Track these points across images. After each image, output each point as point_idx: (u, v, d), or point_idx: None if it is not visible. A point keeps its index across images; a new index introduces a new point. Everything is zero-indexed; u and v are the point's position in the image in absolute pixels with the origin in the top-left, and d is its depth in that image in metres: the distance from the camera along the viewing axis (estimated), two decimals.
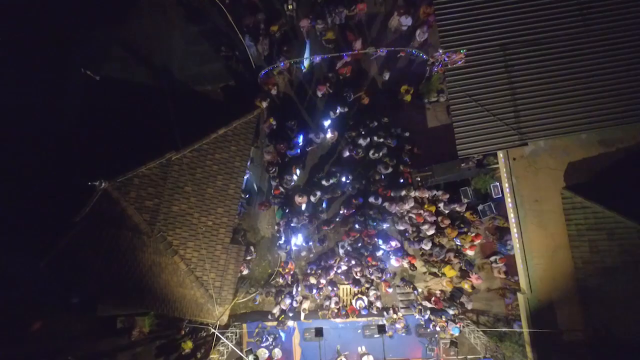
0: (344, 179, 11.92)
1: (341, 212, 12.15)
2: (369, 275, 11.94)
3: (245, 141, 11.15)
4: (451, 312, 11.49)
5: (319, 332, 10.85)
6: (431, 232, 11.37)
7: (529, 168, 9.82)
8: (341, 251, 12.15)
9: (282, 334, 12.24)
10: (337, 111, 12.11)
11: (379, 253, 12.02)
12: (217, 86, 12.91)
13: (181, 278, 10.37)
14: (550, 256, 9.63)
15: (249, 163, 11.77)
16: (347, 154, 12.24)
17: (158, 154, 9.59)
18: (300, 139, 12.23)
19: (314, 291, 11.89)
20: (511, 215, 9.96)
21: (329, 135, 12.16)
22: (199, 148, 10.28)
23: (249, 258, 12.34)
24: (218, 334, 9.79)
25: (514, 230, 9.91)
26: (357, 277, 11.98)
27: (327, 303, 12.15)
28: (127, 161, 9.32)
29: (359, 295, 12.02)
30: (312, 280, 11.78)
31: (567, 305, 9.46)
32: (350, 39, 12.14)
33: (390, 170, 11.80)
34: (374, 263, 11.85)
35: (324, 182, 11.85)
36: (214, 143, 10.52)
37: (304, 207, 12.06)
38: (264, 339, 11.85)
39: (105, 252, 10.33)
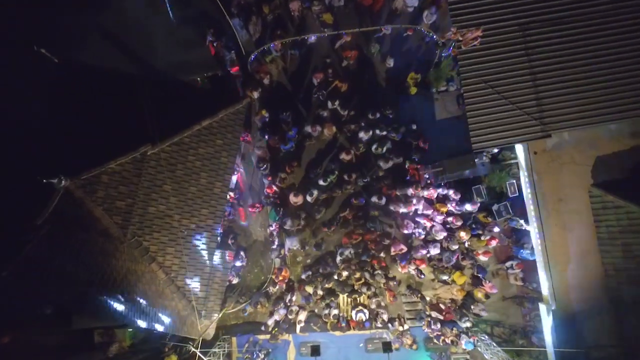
0: (344, 176, 10.81)
1: (341, 213, 11.05)
2: (371, 281, 10.88)
3: (234, 134, 10.05)
4: (463, 324, 10.34)
5: (315, 350, 9.69)
6: (441, 235, 10.24)
7: (551, 163, 8.91)
8: (341, 256, 10.99)
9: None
10: (336, 102, 11.02)
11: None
12: (204, 75, 11.80)
13: (160, 288, 9.27)
14: (577, 262, 8.74)
15: (239, 159, 10.65)
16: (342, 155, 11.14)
17: (131, 148, 8.44)
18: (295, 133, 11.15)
19: (311, 301, 10.79)
20: (532, 217, 9.06)
21: (326, 128, 11.04)
22: (179, 141, 9.17)
23: (239, 264, 11.26)
24: (200, 355, 8.57)
25: (535, 233, 9.06)
26: (355, 286, 10.95)
27: (325, 312, 11.02)
28: (94, 155, 8.13)
29: (360, 307, 10.87)
30: (309, 289, 10.65)
31: (597, 317, 8.57)
32: (367, 3, 10.93)
33: (390, 164, 10.74)
34: (380, 266, 10.77)
35: (320, 182, 10.76)
36: (197, 136, 9.42)
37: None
38: (254, 355, 10.72)
39: (75, 259, 9.24)
